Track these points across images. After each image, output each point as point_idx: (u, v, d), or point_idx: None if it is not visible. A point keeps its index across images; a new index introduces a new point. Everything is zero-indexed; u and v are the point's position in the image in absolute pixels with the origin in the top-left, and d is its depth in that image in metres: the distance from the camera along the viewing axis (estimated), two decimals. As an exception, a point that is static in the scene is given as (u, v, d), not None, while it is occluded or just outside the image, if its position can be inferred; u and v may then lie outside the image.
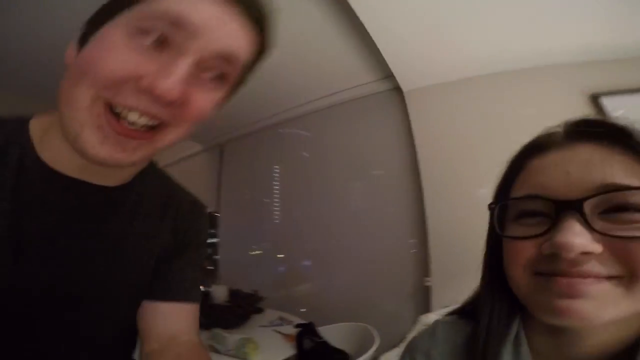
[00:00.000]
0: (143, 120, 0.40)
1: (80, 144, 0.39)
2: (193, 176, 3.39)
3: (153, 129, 0.41)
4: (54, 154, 0.46)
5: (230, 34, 0.40)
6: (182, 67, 0.37)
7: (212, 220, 3.05)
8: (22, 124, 0.48)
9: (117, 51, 0.37)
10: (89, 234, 0.49)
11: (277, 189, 2.65)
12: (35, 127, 0.47)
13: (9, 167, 0.44)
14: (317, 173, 2.41)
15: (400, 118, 1.99)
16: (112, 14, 0.39)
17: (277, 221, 2.63)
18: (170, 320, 0.57)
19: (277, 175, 2.66)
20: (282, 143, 2.65)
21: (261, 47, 0.45)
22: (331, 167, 2.33)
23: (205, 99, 0.42)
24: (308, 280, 2.37)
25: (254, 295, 2.13)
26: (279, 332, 1.72)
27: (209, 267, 2.98)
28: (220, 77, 0.42)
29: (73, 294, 0.50)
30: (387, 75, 1.91)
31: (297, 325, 1.72)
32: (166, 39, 0.38)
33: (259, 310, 2.05)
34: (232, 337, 1.51)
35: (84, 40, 0.41)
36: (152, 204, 0.57)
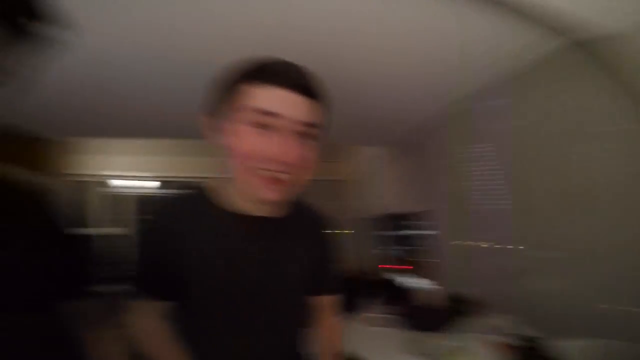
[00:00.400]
0: (282, 175, 0.63)
1: (256, 194, 0.65)
2: (386, 177, 3.47)
3: (289, 178, 0.64)
4: (231, 203, 0.72)
5: (303, 111, 0.61)
6: (288, 140, 0.61)
7: (418, 217, 2.99)
8: (201, 190, 0.76)
9: (249, 141, 0.62)
10: (265, 249, 0.74)
11: (484, 172, 2.25)
12: (211, 191, 0.75)
13: (205, 217, 0.72)
14: (524, 146, 1.93)
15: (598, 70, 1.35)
16: (227, 111, 0.65)
17: (492, 208, 2.17)
18: (325, 305, 0.91)
19: (481, 156, 2.26)
20: (476, 122, 2.28)
21: (326, 111, 0.67)
22: (539, 136, 1.82)
23: (310, 152, 0.65)
24: (535, 280, 1.91)
25: (467, 297, 1.92)
26: (497, 342, 1.46)
27: (417, 260, 2.91)
28: (311, 136, 0.64)
29: (263, 293, 0.73)
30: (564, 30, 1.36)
31: (521, 337, 1.41)
32: (272, 124, 0.61)
33: (473, 314, 1.82)
34: (437, 342, 1.39)
35: (217, 128, 0.68)
36: (302, 226, 0.81)
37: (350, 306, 2.08)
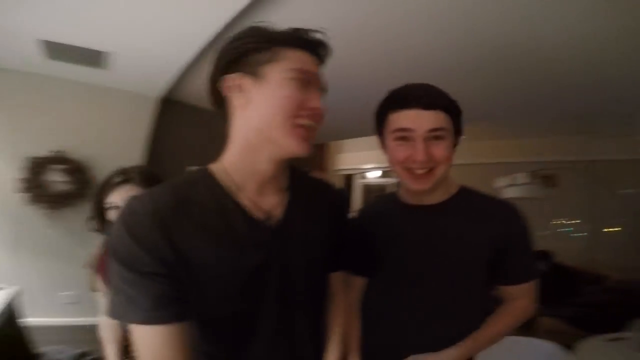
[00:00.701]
0: (423, 170, 0.81)
1: (409, 187, 0.84)
2: None
3: (430, 171, 0.81)
4: (404, 196, 0.93)
5: (428, 121, 0.78)
6: (420, 146, 0.78)
7: None
8: (393, 190, 0.98)
9: (395, 151, 0.83)
10: (429, 231, 0.87)
11: None
12: (398, 189, 0.96)
13: (392, 208, 0.95)
14: None
15: None
16: (381, 130, 0.87)
17: None
18: (514, 294, 0.88)
19: None
20: None
21: (455, 112, 0.82)
22: None
23: (440, 150, 0.80)
24: None
25: None
26: None
27: None
28: (439, 138, 0.79)
29: (423, 270, 0.86)
30: None
31: None
32: (407, 136, 0.80)
33: None
34: None
35: (382, 144, 0.90)
36: (468, 212, 0.87)
37: (614, 322, 1.64)
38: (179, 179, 0.64)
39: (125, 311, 0.55)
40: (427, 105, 0.78)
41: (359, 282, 0.96)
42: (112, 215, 1.00)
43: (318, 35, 0.64)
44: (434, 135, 0.79)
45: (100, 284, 1.09)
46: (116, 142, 2.88)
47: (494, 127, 3.78)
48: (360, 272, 0.95)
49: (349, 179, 5.77)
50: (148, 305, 0.53)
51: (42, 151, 2.63)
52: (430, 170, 0.81)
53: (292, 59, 0.61)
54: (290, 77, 0.60)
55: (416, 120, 0.79)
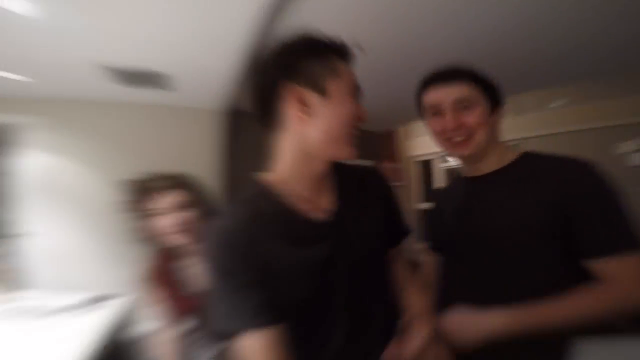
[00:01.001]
0: (460, 138, 0.87)
1: (454, 154, 0.92)
2: None
3: (468, 138, 0.87)
4: (463, 170, 0.99)
5: (452, 94, 0.87)
6: (449, 116, 0.87)
7: None
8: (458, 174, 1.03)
9: (432, 124, 0.92)
10: (482, 200, 0.89)
11: None
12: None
13: (455, 184, 1.04)
14: None
15: None
16: (422, 114, 0.97)
17: None
18: (608, 273, 0.71)
19: None
20: None
21: (482, 82, 0.88)
22: None
23: (471, 117, 0.86)
24: None
25: None
26: None
27: None
28: (468, 107, 0.86)
29: (479, 239, 0.86)
30: None
31: None
32: (438, 110, 0.89)
33: None
34: None
35: (422, 116, 0.98)
36: (526, 176, 0.82)
37: None
38: (242, 196, 0.70)
39: (228, 320, 0.63)
40: (447, 81, 0.88)
41: (433, 258, 1.04)
42: (158, 221, 1.00)
43: (353, 46, 0.68)
44: (461, 106, 0.86)
45: (159, 294, 1.09)
46: (194, 157, 3.07)
47: (608, 84, 3.09)
48: (432, 248, 1.04)
49: (426, 165, 5.31)
50: (250, 312, 0.61)
51: (136, 173, 2.92)
52: (469, 137, 0.87)
53: (346, 73, 0.66)
54: (349, 93, 0.66)
55: (441, 94, 0.88)
